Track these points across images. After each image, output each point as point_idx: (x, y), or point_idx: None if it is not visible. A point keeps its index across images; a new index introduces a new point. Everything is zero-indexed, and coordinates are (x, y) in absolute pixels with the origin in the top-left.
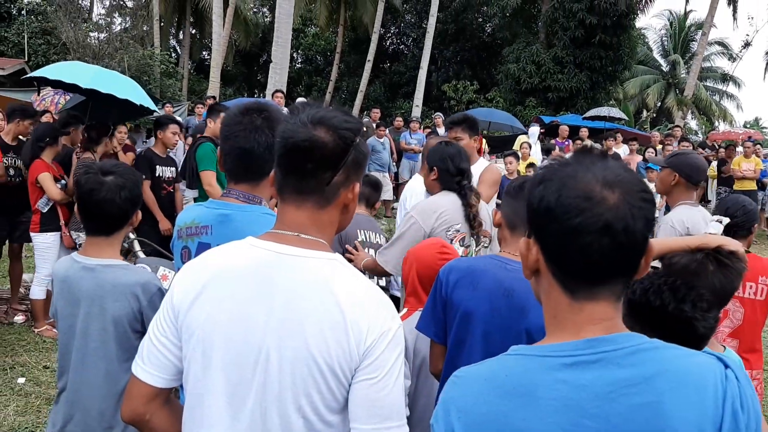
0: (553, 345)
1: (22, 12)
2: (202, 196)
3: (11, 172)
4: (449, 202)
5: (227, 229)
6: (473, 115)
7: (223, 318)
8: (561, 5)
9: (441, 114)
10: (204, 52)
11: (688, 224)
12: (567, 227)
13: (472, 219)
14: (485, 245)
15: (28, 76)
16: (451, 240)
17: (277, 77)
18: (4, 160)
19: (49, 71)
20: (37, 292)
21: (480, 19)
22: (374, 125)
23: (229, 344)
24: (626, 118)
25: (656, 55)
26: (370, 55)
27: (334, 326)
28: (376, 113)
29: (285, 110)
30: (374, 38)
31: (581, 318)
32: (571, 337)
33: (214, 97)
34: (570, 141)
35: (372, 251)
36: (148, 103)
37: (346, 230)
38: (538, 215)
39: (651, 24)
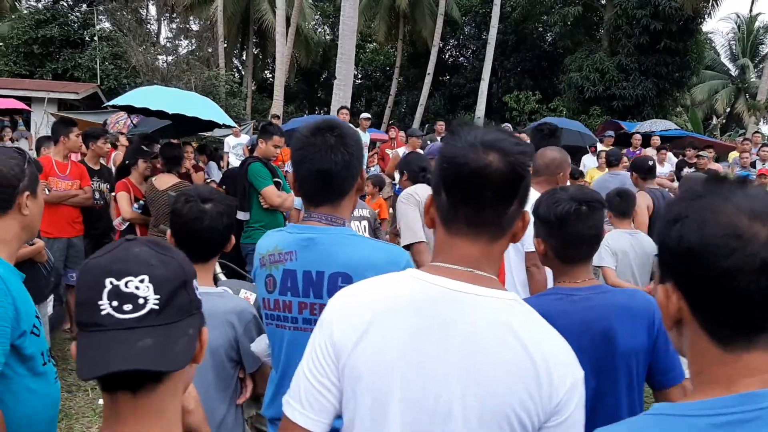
0: (701, 402)
1: (95, 38)
2: (257, 219)
3: (96, 195)
4: (421, 187)
5: (313, 254)
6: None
7: (395, 361)
8: (624, 12)
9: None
10: (266, 72)
11: None
12: (716, 271)
13: None
14: None
15: (111, 103)
16: None
17: (342, 93)
18: (91, 185)
19: (134, 99)
20: None
21: (540, 29)
22: (438, 138)
23: (406, 392)
24: (676, 128)
25: (724, 60)
26: (430, 68)
27: (523, 375)
28: (441, 126)
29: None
30: (434, 51)
31: (735, 370)
32: (723, 392)
33: (277, 116)
34: (642, 149)
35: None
36: (223, 118)
37: None
38: (677, 259)
39: (718, 28)
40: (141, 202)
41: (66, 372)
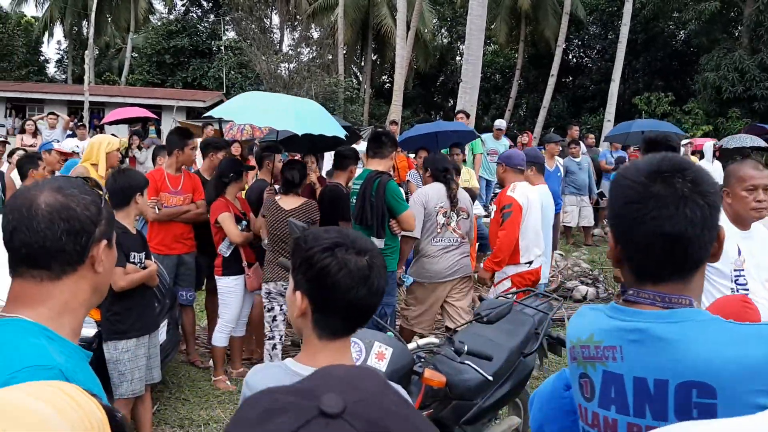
0: None
1: (221, 48)
2: (388, 243)
3: None
4: (435, 188)
5: (648, 353)
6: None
7: None
8: (766, 7)
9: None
10: (383, 77)
11: None
12: None
13: (452, 198)
14: (464, 218)
15: (223, 116)
16: (437, 213)
17: (467, 96)
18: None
19: (253, 115)
20: (219, 339)
21: (672, 26)
22: (567, 142)
23: None
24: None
25: None
26: (554, 69)
27: None
28: (576, 130)
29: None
30: (558, 52)
31: None
32: None
33: (395, 122)
34: None
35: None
36: (339, 132)
37: None
38: None
39: None
40: (244, 222)
41: (179, 402)
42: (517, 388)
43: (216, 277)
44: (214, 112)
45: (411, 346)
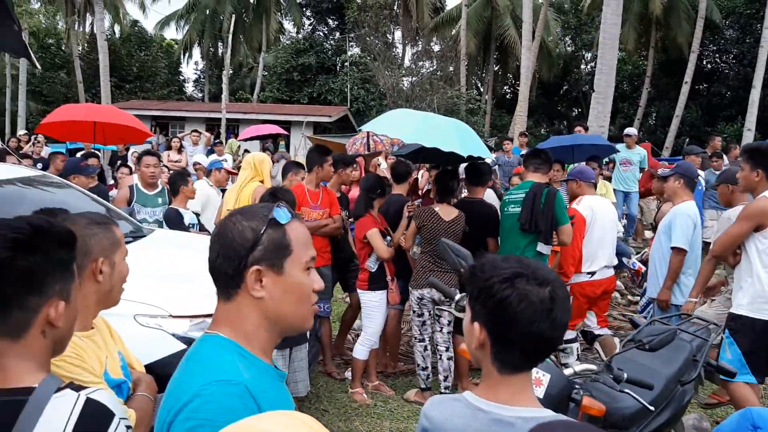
0: None
1: (346, 64)
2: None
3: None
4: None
5: None
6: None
7: None
8: None
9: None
10: (505, 87)
11: None
12: None
13: None
14: None
15: (366, 128)
16: None
17: (600, 107)
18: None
19: (389, 127)
20: (360, 352)
21: None
22: (708, 155)
23: None
24: None
25: None
26: (687, 76)
27: None
28: (718, 141)
29: None
30: (692, 58)
31: None
32: None
33: (524, 133)
34: None
35: None
36: (479, 151)
37: None
38: None
39: None
40: (388, 237)
41: (318, 413)
42: (674, 418)
43: (360, 291)
44: (375, 127)
45: (567, 372)
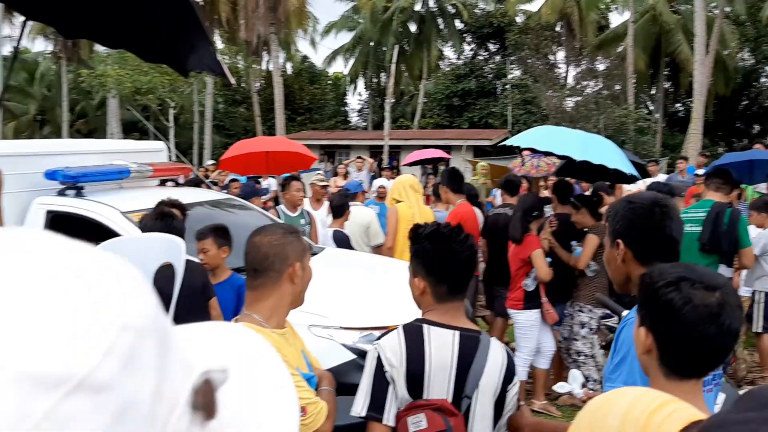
0: None
1: (506, 87)
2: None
3: None
4: None
5: None
6: None
7: None
8: None
9: None
10: (676, 104)
11: None
12: None
13: None
14: None
15: (506, 142)
16: None
17: None
18: None
19: (537, 141)
20: (520, 373)
21: None
22: None
23: None
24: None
25: None
26: None
27: None
28: None
29: None
30: None
31: None
32: None
33: (704, 154)
34: None
35: None
36: (629, 167)
37: None
38: None
39: None
40: (548, 258)
41: None
42: None
43: (514, 311)
44: (521, 141)
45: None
